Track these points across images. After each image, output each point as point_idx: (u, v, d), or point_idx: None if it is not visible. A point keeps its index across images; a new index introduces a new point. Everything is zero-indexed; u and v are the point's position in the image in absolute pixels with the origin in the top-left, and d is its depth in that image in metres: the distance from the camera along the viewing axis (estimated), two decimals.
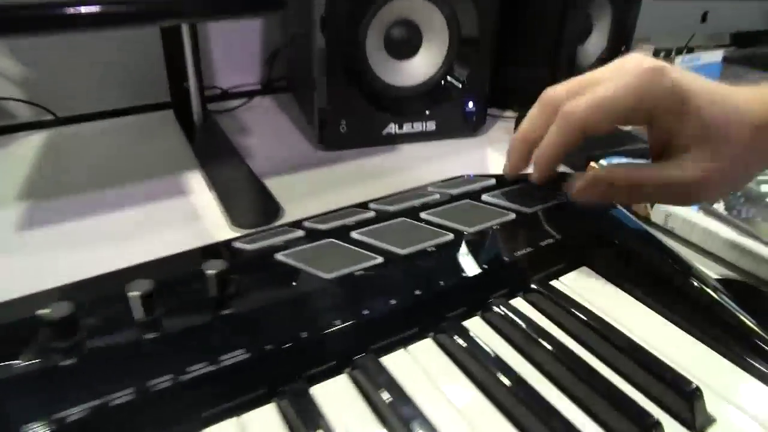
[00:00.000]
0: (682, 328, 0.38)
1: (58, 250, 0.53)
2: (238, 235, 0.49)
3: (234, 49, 0.97)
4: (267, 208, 0.60)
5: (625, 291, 0.41)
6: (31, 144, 0.76)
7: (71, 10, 0.42)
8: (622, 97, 0.38)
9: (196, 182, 0.67)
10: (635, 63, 0.39)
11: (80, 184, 0.65)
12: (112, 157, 0.73)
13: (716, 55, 0.80)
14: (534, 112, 0.44)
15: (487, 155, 0.76)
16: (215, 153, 0.74)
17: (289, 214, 0.59)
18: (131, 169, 0.69)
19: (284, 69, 0.99)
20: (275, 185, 0.66)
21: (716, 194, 0.46)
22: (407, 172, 0.70)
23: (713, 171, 0.38)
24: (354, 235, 0.41)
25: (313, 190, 0.66)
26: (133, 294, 0.32)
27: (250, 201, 0.62)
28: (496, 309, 0.37)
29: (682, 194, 0.41)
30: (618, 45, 0.94)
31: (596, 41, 0.92)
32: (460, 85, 0.76)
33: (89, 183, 0.66)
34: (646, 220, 0.58)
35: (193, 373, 0.30)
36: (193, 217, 0.59)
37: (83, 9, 0.43)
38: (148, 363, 0.31)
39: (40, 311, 0.31)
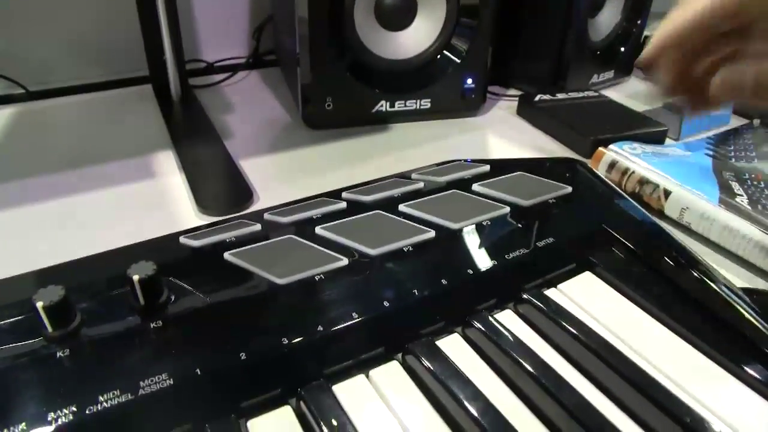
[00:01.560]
0: (699, 349, 0.32)
1: (11, 236, 0.49)
2: (203, 222, 0.44)
3: (220, 20, 0.91)
4: (238, 193, 0.54)
5: (633, 301, 0.35)
6: None
7: None
8: None
9: (168, 163, 0.61)
10: None
11: (45, 165, 0.61)
12: (81, 135, 0.68)
13: None
14: None
15: (487, 137, 0.70)
16: (191, 132, 0.68)
17: (263, 201, 0.54)
18: (100, 149, 0.64)
19: (273, 41, 0.93)
20: (253, 167, 0.60)
21: None
22: (398, 154, 0.64)
23: None
24: (318, 230, 0.35)
25: (294, 173, 0.60)
26: (40, 304, 0.27)
27: (220, 186, 0.56)
28: (477, 324, 0.31)
29: None
30: (633, 19, 0.87)
31: (609, 15, 0.85)
32: (459, 60, 0.69)
33: (55, 163, 0.61)
34: (659, 213, 0.52)
35: (102, 404, 0.25)
36: (159, 202, 0.54)
37: None
38: (51, 389, 0.25)
39: None
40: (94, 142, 0.66)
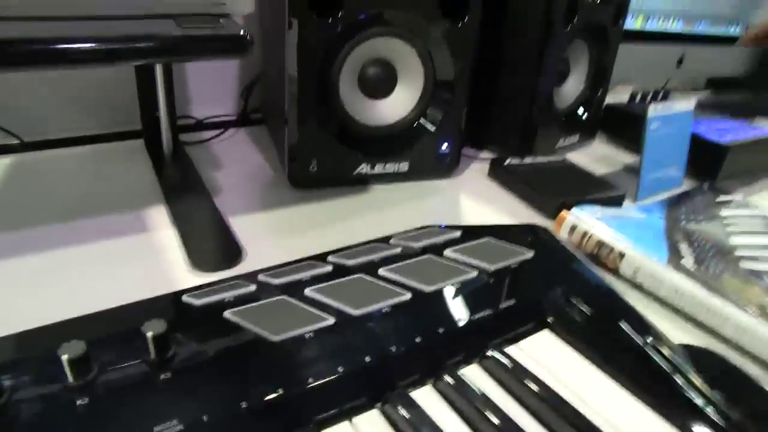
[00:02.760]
0: (642, 401, 0.37)
1: (4, 289, 0.50)
2: (196, 278, 0.48)
3: (210, 79, 0.95)
4: (228, 251, 0.58)
5: (586, 357, 0.40)
6: None
7: (41, 48, 0.41)
8: None
9: (160, 218, 0.64)
10: None
11: (40, 216, 0.63)
12: (75, 187, 0.71)
13: (689, 104, 0.80)
14: None
15: (460, 198, 0.75)
16: (182, 187, 0.72)
17: (252, 258, 0.58)
18: (94, 201, 0.67)
19: (261, 101, 0.98)
20: (241, 224, 0.64)
21: None
22: (377, 214, 0.69)
23: None
24: (308, 292, 0.40)
25: (280, 230, 0.64)
26: (65, 357, 0.31)
27: (211, 242, 0.60)
28: (447, 378, 0.35)
29: None
30: (596, 87, 0.95)
31: (574, 83, 0.92)
32: (434, 128, 0.75)
33: (49, 215, 0.63)
34: (615, 273, 0.57)
35: None
36: (151, 256, 0.57)
37: (54, 47, 0.42)
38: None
39: None
40: (88, 194, 0.69)
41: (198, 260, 0.55)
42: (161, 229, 0.62)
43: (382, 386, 0.34)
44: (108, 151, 0.83)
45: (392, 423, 0.33)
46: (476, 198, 0.75)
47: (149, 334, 0.32)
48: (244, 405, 0.31)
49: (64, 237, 0.59)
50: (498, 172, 0.80)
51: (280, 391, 0.32)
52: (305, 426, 0.31)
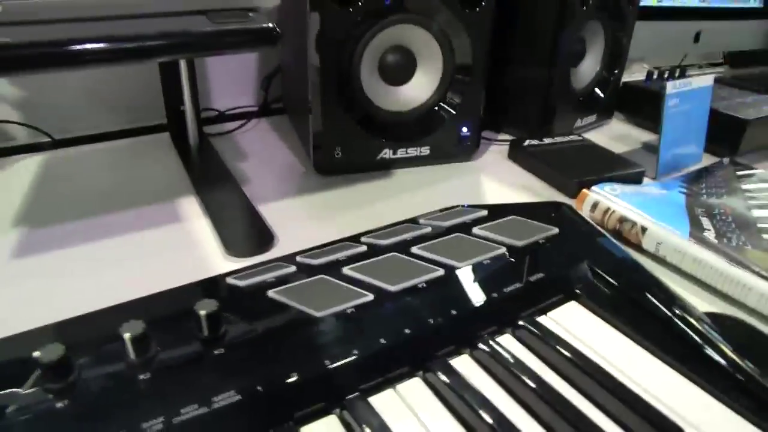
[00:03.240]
0: (669, 366, 0.38)
1: (50, 279, 0.53)
2: (232, 264, 0.50)
3: (230, 71, 0.97)
4: (261, 236, 0.60)
5: (613, 326, 0.41)
6: (27, 167, 0.77)
7: (68, 49, 0.43)
8: None
9: (192, 208, 0.67)
10: None
11: (74, 210, 0.65)
12: (107, 181, 0.73)
13: (707, 80, 0.81)
14: None
15: (482, 180, 0.76)
16: (211, 178, 0.74)
17: (283, 243, 0.60)
18: (126, 194, 0.69)
19: (281, 90, 0.99)
20: (269, 211, 0.66)
21: None
22: (401, 198, 0.70)
23: None
24: (345, 270, 0.42)
25: (308, 216, 0.66)
26: (127, 335, 0.33)
27: (244, 229, 0.62)
28: (482, 347, 0.37)
29: None
30: (612, 67, 0.95)
31: (590, 64, 0.93)
32: (454, 111, 0.76)
33: (84, 209, 0.66)
34: (638, 247, 0.59)
35: (185, 415, 0.30)
36: (188, 244, 0.59)
37: (80, 47, 0.43)
38: (140, 405, 0.31)
39: (34, 353, 0.31)
40: (118, 188, 0.71)
41: (232, 247, 0.58)
42: (194, 219, 0.64)
43: (422, 356, 0.36)
44: (135, 146, 0.85)
45: (434, 389, 0.35)
46: (497, 179, 0.76)
47: (202, 313, 0.34)
48: (294, 376, 0.33)
49: (103, 229, 0.61)
50: (517, 154, 0.81)
51: (327, 363, 0.34)
52: (352, 394, 0.34)
